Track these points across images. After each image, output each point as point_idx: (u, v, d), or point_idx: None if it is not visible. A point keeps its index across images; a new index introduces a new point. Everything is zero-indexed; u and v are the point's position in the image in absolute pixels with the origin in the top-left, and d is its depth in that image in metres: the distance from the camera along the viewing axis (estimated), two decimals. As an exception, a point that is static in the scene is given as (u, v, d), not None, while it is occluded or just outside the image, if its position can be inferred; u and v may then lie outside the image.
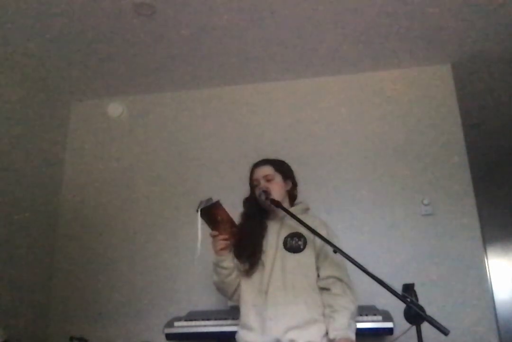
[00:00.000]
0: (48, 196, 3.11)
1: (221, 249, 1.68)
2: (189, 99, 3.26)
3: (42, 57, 2.78)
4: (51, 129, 3.21)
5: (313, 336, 1.58)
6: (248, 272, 1.71)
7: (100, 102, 3.35)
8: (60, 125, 3.32)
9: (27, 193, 2.91)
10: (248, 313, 1.67)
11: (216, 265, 1.72)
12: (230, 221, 1.68)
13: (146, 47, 2.72)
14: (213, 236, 1.68)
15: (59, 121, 3.31)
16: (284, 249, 1.72)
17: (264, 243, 1.75)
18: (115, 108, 3.29)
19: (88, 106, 3.39)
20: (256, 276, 1.70)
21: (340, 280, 1.66)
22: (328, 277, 1.67)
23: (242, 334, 1.68)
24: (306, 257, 1.70)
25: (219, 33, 2.60)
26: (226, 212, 1.67)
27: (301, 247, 1.71)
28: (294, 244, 1.72)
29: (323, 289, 1.67)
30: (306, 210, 1.89)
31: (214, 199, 1.65)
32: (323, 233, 1.66)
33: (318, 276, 1.70)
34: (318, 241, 1.71)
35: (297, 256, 1.70)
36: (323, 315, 1.62)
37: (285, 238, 1.74)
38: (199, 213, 1.62)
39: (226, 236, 1.67)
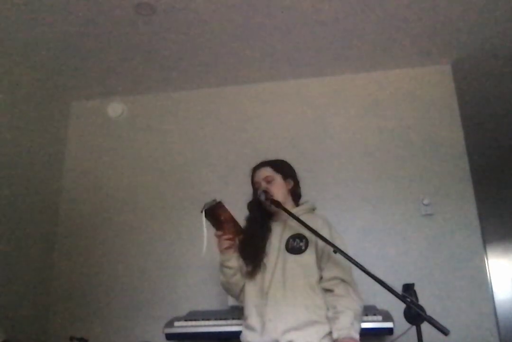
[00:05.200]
0: (48, 195, 3.10)
1: (226, 248, 1.72)
2: (189, 99, 3.26)
3: (42, 57, 2.78)
4: (51, 129, 3.21)
5: (312, 337, 1.57)
6: (251, 274, 1.74)
7: (100, 102, 3.35)
8: (60, 125, 3.31)
9: (27, 192, 2.91)
10: (251, 314, 1.69)
11: (222, 265, 1.76)
12: (233, 220, 1.72)
13: (146, 47, 2.72)
14: (218, 236, 1.72)
15: (59, 121, 3.31)
16: (285, 251, 1.72)
17: (268, 245, 1.76)
18: (115, 108, 3.29)
19: (88, 106, 3.39)
20: (258, 278, 1.73)
21: (343, 281, 1.64)
22: (332, 279, 1.66)
23: (245, 334, 1.70)
24: (307, 258, 1.70)
25: (219, 33, 2.60)
26: (228, 211, 1.70)
27: (303, 248, 1.71)
28: (295, 245, 1.72)
29: (326, 291, 1.66)
30: (312, 209, 1.89)
31: (217, 200, 1.69)
32: (325, 233, 1.66)
33: (321, 277, 1.69)
34: (321, 241, 1.69)
35: (298, 257, 1.70)
36: (325, 316, 1.61)
37: (287, 239, 1.75)
38: (203, 214, 1.67)
39: (230, 236, 1.72)
